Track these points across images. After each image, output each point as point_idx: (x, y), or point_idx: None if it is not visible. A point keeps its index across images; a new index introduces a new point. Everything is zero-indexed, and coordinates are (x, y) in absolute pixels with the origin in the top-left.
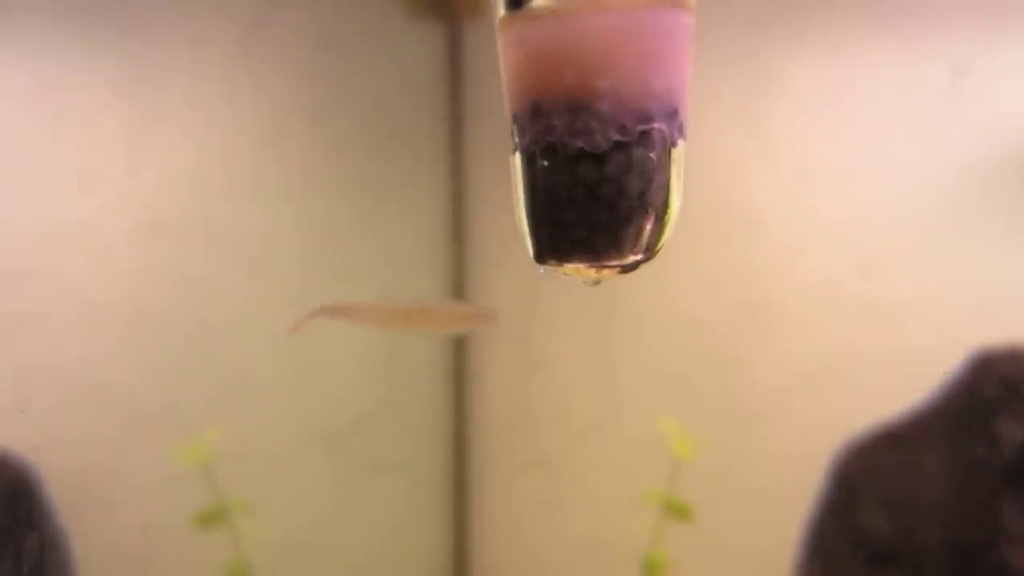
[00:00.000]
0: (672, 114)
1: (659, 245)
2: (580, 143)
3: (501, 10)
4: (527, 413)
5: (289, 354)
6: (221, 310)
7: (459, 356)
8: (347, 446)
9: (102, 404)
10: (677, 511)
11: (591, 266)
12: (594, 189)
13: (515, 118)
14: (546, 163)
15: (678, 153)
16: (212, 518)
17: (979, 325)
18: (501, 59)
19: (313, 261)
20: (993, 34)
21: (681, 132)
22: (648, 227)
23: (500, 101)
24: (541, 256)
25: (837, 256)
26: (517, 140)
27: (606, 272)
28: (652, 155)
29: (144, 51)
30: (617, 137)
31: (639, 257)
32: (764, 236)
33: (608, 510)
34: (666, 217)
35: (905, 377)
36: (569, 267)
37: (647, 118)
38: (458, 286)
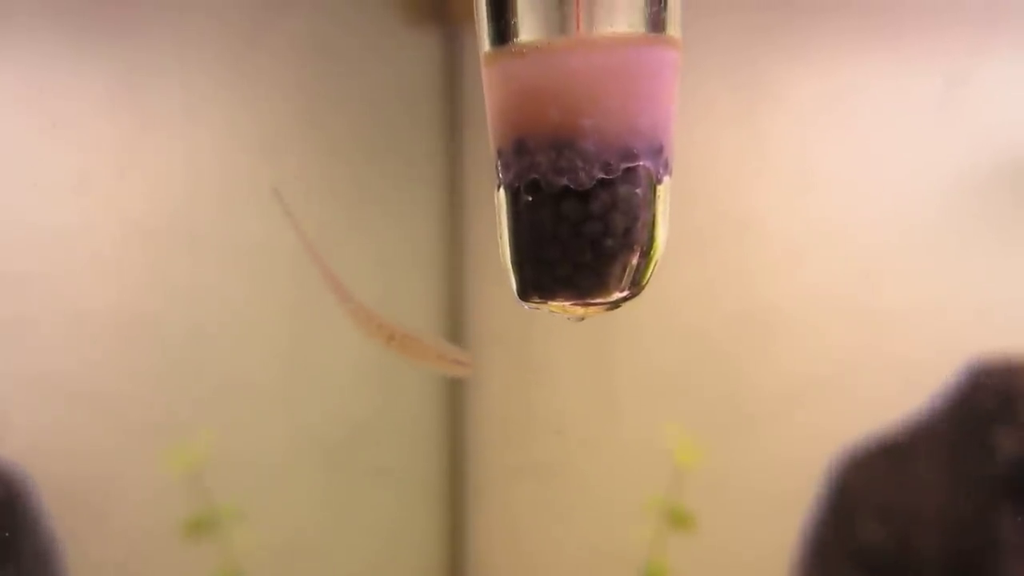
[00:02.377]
0: (657, 151)
1: (644, 281)
2: (564, 180)
3: (486, 45)
4: (525, 420)
5: (283, 361)
6: (214, 317)
7: None
8: (342, 453)
9: (94, 411)
10: (678, 519)
11: (576, 304)
12: (578, 227)
13: (499, 153)
14: (530, 200)
15: (663, 189)
16: (202, 526)
17: (976, 334)
18: (486, 94)
19: (307, 268)
20: (988, 46)
21: (666, 168)
22: (633, 264)
23: None
24: (525, 293)
25: (836, 264)
26: (501, 176)
27: (591, 310)
28: (637, 192)
29: (139, 56)
30: (601, 175)
31: (624, 294)
32: (762, 243)
33: (607, 518)
34: (652, 253)
35: (904, 384)
36: (553, 304)
37: (632, 156)
38: (454, 293)
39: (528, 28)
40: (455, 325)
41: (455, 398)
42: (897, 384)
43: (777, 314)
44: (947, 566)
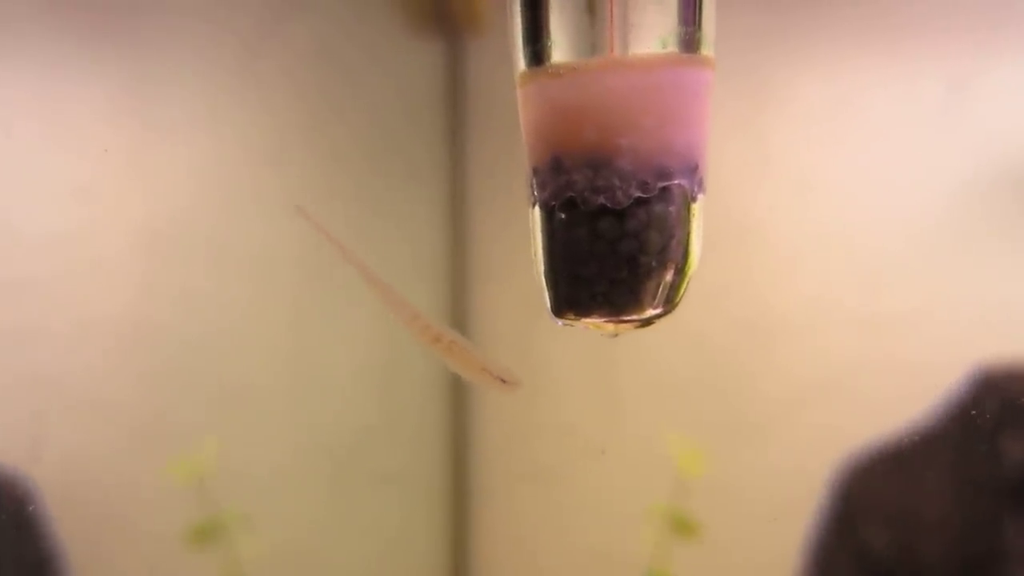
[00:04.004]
0: (692, 170)
1: (678, 298)
2: (601, 199)
3: (521, 65)
4: (528, 426)
5: (287, 367)
6: (218, 323)
7: None
8: (347, 459)
9: (99, 417)
10: (682, 526)
11: (610, 321)
12: (615, 245)
13: (535, 172)
14: (566, 218)
15: (698, 207)
16: (207, 533)
17: (980, 339)
18: (521, 113)
19: (312, 275)
20: (990, 52)
21: (701, 187)
22: (668, 281)
23: (500, 117)
24: (560, 310)
25: (839, 269)
26: (536, 193)
27: (624, 326)
28: (672, 210)
29: (143, 64)
30: (638, 194)
31: (659, 311)
32: (765, 249)
33: (611, 524)
34: (686, 270)
35: (908, 390)
36: (588, 321)
37: (668, 175)
38: (457, 299)
39: (562, 49)
40: (458, 331)
41: (459, 404)
42: (901, 389)
43: (780, 319)
44: (952, 573)
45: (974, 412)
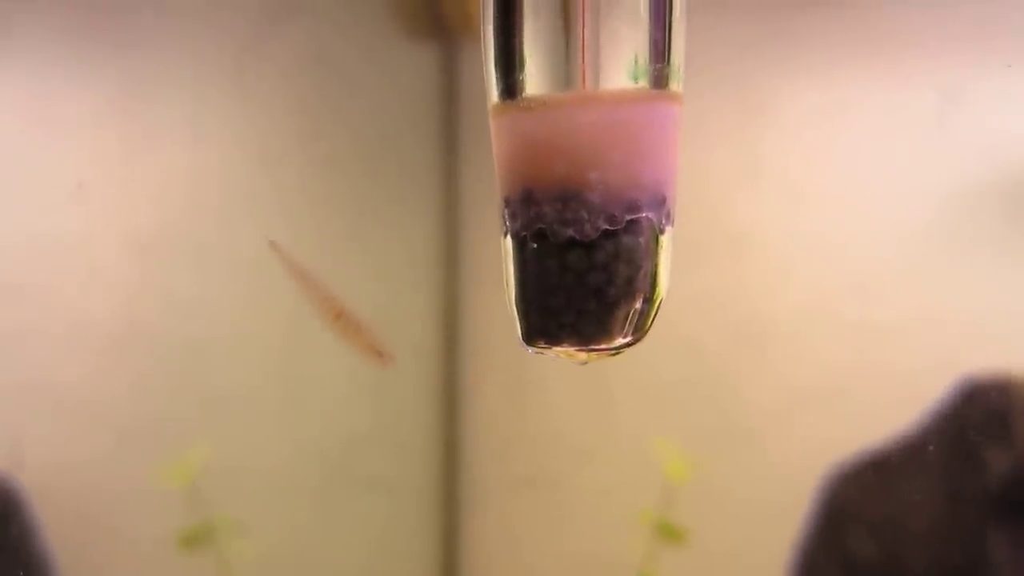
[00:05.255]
0: (660, 202)
1: (647, 327)
2: (570, 231)
3: (494, 97)
4: (520, 432)
5: (280, 373)
6: (211, 328)
7: (451, 374)
8: (338, 465)
9: (90, 422)
10: (669, 533)
11: (580, 350)
12: (583, 276)
13: (507, 202)
14: (536, 249)
15: (666, 239)
16: (199, 538)
17: (970, 349)
18: (494, 144)
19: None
20: (982, 63)
21: (668, 219)
22: (636, 312)
23: None
24: (530, 339)
25: (829, 278)
26: (508, 224)
27: (594, 355)
28: (640, 242)
29: (142, 67)
30: (606, 226)
31: (627, 340)
32: (755, 258)
33: (602, 530)
34: (654, 300)
35: (897, 398)
36: (558, 349)
37: (636, 208)
38: (451, 305)
39: (534, 83)
40: (451, 337)
41: (451, 410)
42: (890, 398)
43: (770, 328)
44: None
45: (960, 422)
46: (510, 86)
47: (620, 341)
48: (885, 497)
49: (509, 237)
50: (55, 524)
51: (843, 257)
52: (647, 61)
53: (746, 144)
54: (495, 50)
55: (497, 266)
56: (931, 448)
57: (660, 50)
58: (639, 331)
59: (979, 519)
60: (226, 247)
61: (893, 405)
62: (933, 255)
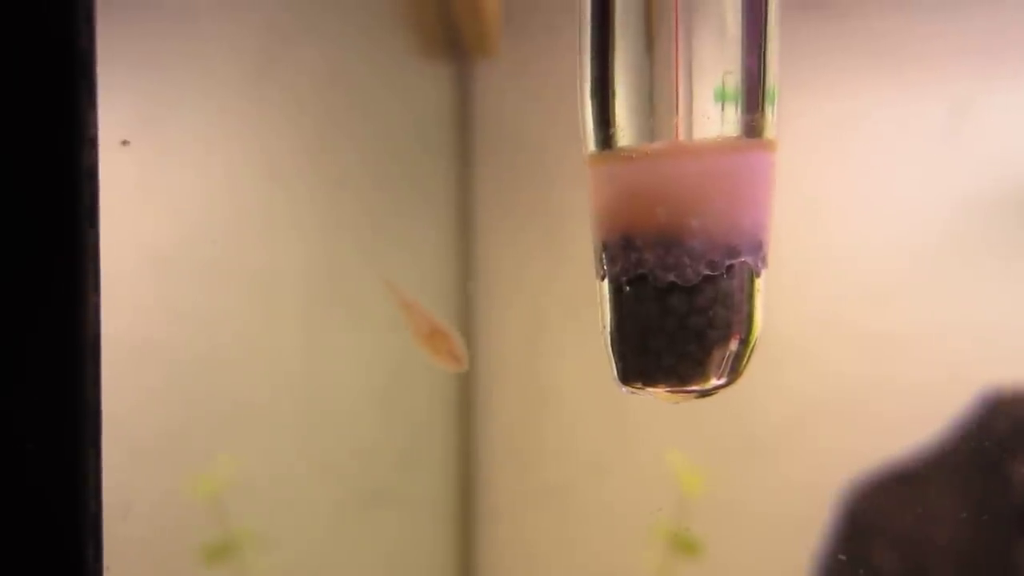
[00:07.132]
0: (757, 247)
1: (742, 368)
2: (672, 276)
3: (591, 146)
4: (536, 446)
5: (294, 387)
6: (226, 343)
7: (465, 387)
8: (355, 479)
9: (108, 437)
10: (685, 546)
11: (676, 391)
12: (684, 320)
13: (605, 247)
14: (636, 292)
15: (761, 282)
16: (221, 552)
17: (983, 360)
18: (591, 191)
19: (319, 296)
20: (992, 74)
21: (764, 262)
22: (732, 353)
23: (508, 139)
24: (627, 378)
25: (842, 290)
26: (607, 267)
27: (685, 396)
28: (738, 286)
29: (155, 86)
30: (707, 271)
31: (722, 381)
32: (770, 268)
33: (618, 543)
34: (749, 342)
35: (911, 411)
36: (653, 390)
37: (735, 252)
38: (464, 320)
39: (628, 134)
40: (465, 351)
41: (466, 424)
42: (904, 410)
43: (786, 339)
44: None
45: (983, 435)
46: (608, 137)
47: (715, 382)
48: (907, 510)
49: (607, 280)
50: None
51: (857, 269)
52: (742, 113)
53: None
54: (591, 104)
55: (510, 282)
56: (955, 460)
57: (754, 101)
58: (734, 372)
59: (1004, 532)
60: (240, 262)
61: (909, 417)
62: (947, 266)
